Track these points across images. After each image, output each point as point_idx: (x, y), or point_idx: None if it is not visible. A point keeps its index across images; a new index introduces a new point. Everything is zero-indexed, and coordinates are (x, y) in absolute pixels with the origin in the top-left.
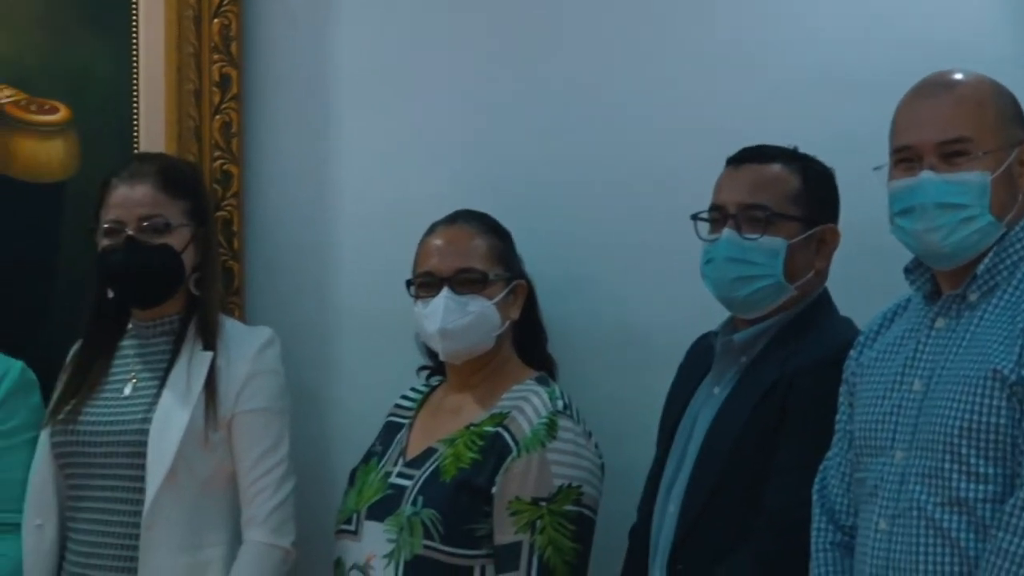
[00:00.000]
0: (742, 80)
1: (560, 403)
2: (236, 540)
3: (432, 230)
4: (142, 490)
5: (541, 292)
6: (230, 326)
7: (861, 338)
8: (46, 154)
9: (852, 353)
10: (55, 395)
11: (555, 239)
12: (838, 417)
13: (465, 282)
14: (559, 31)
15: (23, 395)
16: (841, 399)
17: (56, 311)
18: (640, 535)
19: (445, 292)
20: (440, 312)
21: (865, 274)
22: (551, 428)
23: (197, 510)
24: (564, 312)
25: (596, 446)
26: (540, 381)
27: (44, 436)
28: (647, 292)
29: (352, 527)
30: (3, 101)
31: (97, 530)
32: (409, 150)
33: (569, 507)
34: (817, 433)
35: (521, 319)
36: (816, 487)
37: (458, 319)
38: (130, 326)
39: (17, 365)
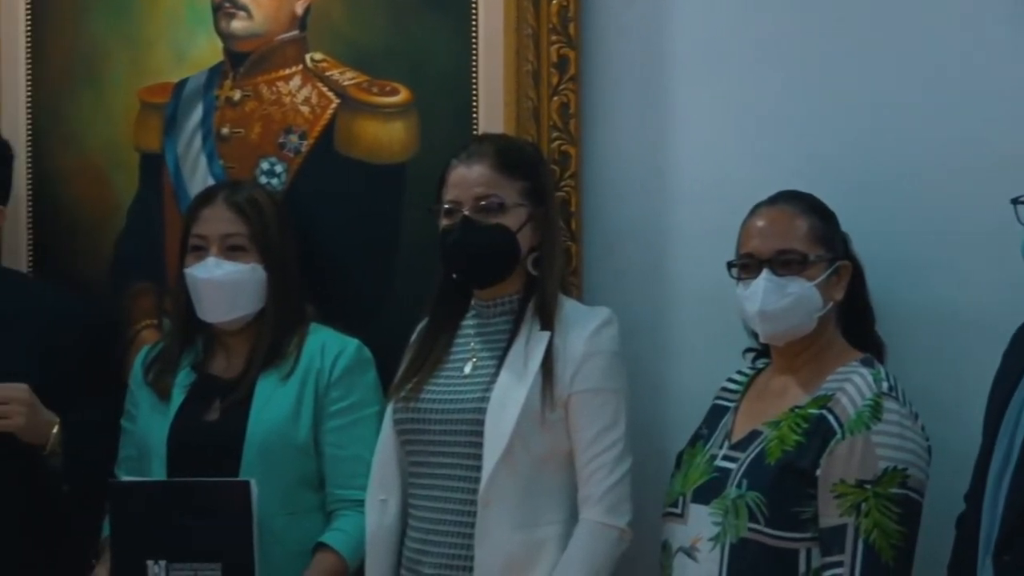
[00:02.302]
0: None
1: (885, 384)
2: (572, 519)
3: (754, 211)
4: (479, 468)
5: (871, 274)
6: (569, 306)
7: None
8: (388, 135)
9: None
10: (399, 372)
11: (887, 221)
12: None
13: (785, 263)
14: (897, 7)
15: (359, 372)
16: None
17: (397, 291)
18: (968, 525)
19: (765, 274)
20: (760, 294)
21: None
22: (876, 410)
23: (533, 488)
24: (894, 294)
25: (923, 428)
26: (865, 363)
27: (388, 412)
28: (979, 276)
29: (678, 510)
30: (346, 83)
31: (436, 507)
32: (744, 128)
33: (895, 490)
34: None
35: (848, 300)
36: None
37: (777, 301)
38: (472, 305)
39: (353, 343)
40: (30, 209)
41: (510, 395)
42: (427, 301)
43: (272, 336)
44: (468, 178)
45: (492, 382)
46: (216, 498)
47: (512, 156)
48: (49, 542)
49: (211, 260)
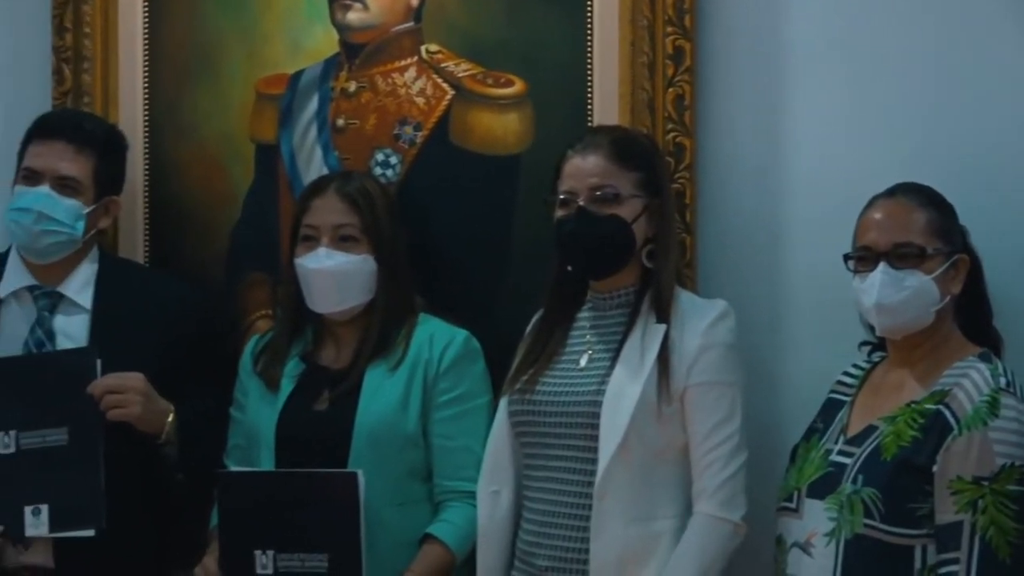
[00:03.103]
0: None
1: (1003, 380)
2: (687, 513)
3: (871, 204)
4: (594, 461)
5: (989, 267)
6: (685, 299)
7: None
8: (502, 127)
9: None
10: (514, 364)
11: (1005, 213)
12: None
13: (902, 256)
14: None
15: (468, 363)
16: None
17: (510, 283)
18: None
19: (882, 267)
20: (876, 287)
21: None
22: (993, 406)
23: (648, 482)
24: (1012, 288)
25: None
26: (983, 357)
27: (503, 404)
28: None
29: (793, 504)
30: (461, 75)
31: (551, 499)
32: (861, 119)
33: (1012, 487)
34: None
35: (965, 294)
36: None
37: (894, 294)
38: (588, 298)
39: (462, 334)
40: (146, 200)
41: (626, 388)
42: (544, 292)
43: (381, 327)
44: (584, 169)
45: (608, 375)
46: (324, 489)
47: (628, 147)
48: (162, 531)
49: (322, 251)
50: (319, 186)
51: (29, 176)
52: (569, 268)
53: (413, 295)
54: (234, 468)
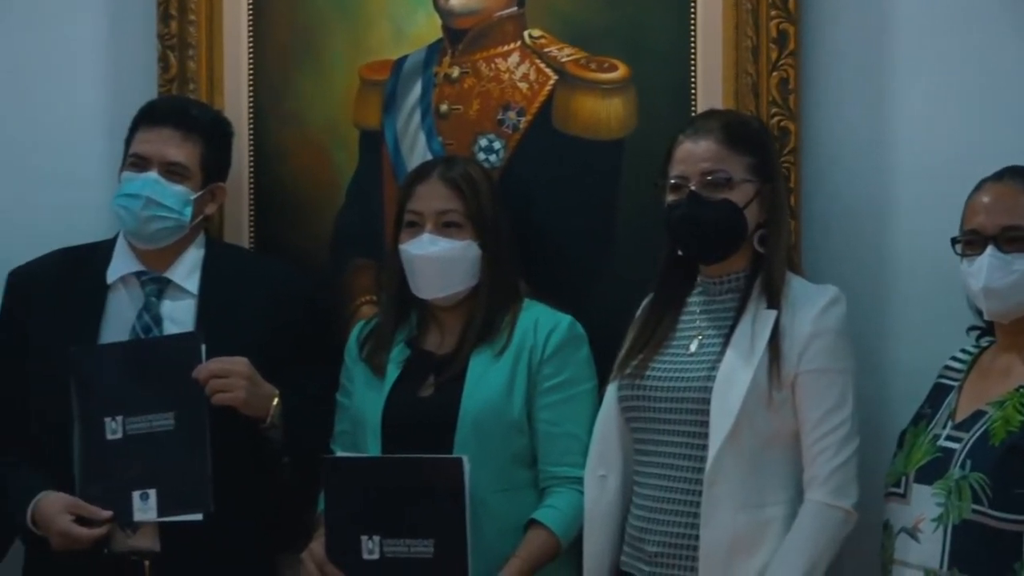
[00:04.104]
0: None
1: None
2: (798, 500)
3: (980, 187)
4: (705, 447)
5: None
6: (796, 284)
7: None
8: (606, 112)
9: None
10: (623, 349)
11: None
12: None
13: (1011, 240)
14: None
15: (572, 348)
16: None
17: (613, 268)
18: None
19: (990, 250)
20: (984, 270)
21: None
22: None
23: (758, 468)
24: None
25: None
26: None
27: (612, 389)
28: None
29: (901, 490)
30: (564, 60)
31: (660, 484)
32: (968, 102)
33: None
34: None
35: None
36: None
37: (1002, 278)
38: (698, 282)
39: (566, 319)
40: (252, 186)
41: (736, 374)
42: (653, 277)
43: (486, 312)
44: (695, 153)
45: (718, 361)
46: (429, 474)
47: (739, 131)
48: (268, 515)
49: (426, 237)
50: (422, 172)
51: (137, 162)
52: (680, 253)
53: (517, 280)
54: (341, 453)
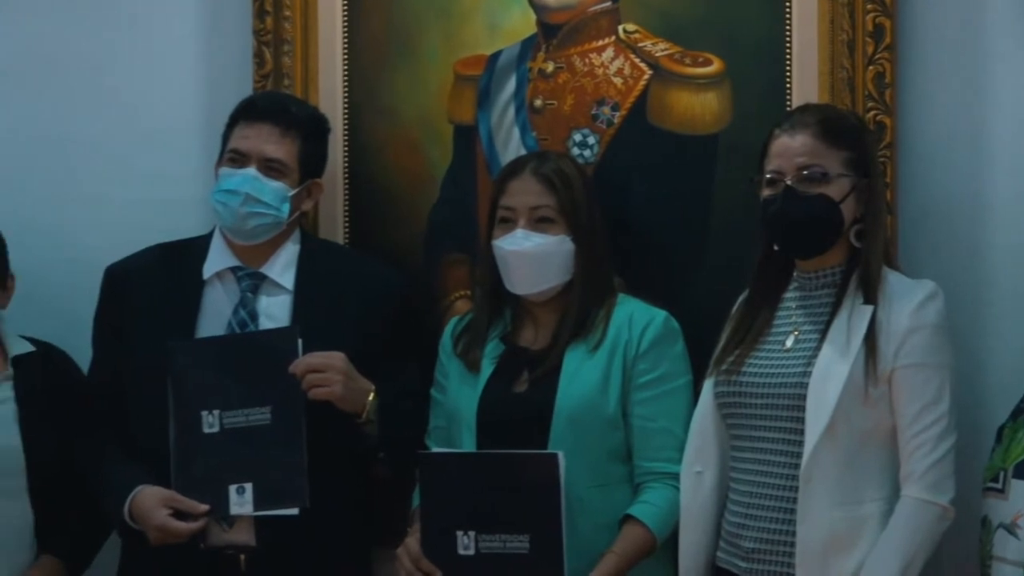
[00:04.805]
0: None
1: None
2: (895, 496)
3: None
4: (801, 443)
5: None
6: (893, 279)
7: None
8: (700, 106)
9: None
10: (719, 345)
11: None
12: None
13: None
14: None
15: (667, 344)
16: None
17: (708, 262)
18: None
19: None
20: None
21: None
22: None
23: (855, 465)
24: None
25: None
26: None
27: (708, 385)
28: None
29: (999, 485)
30: (659, 55)
31: (757, 480)
32: None
33: None
34: None
35: None
36: None
37: None
38: (794, 277)
39: (661, 314)
40: (346, 181)
41: (833, 370)
42: (748, 272)
43: (580, 308)
44: (791, 147)
45: (814, 356)
46: (524, 470)
47: (835, 126)
48: (364, 510)
49: (519, 232)
50: (516, 167)
51: (236, 158)
52: (776, 248)
53: (611, 275)
54: (435, 449)
